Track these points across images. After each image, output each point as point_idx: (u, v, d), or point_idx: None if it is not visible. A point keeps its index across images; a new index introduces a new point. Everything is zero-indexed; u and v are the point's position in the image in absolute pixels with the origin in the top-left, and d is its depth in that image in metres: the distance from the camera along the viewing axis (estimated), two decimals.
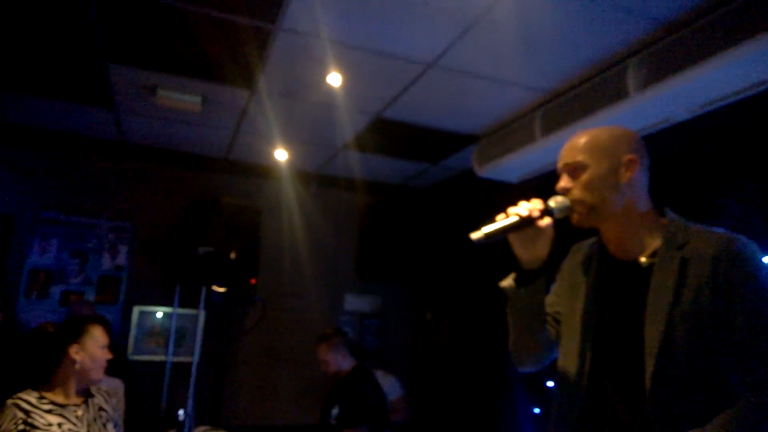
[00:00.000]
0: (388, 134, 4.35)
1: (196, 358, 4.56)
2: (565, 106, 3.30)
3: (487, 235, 1.52)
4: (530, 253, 1.59)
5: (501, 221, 1.54)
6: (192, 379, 4.44)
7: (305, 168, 5.43)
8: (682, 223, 1.55)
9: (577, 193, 1.56)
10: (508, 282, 1.67)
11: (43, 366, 2.44)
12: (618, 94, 2.88)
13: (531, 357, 1.73)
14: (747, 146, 2.92)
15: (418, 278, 5.79)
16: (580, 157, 1.55)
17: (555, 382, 1.67)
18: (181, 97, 3.89)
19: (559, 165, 1.61)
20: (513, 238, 1.59)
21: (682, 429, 1.35)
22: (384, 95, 3.69)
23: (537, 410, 4.04)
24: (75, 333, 2.47)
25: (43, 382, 2.41)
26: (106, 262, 5.03)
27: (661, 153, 3.27)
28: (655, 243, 1.54)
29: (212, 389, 5.07)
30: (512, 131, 3.79)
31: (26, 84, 3.96)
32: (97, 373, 2.48)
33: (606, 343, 1.54)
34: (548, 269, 1.64)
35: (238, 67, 3.45)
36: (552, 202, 1.56)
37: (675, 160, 3.26)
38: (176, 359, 4.94)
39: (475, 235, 1.53)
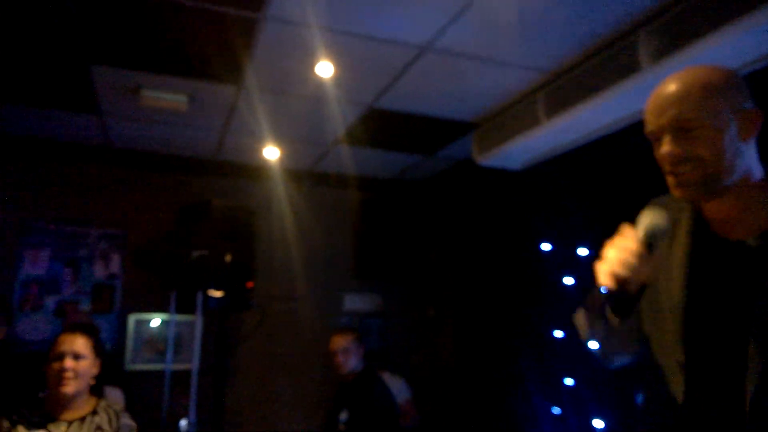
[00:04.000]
0: (382, 126, 4.20)
1: (195, 366, 4.41)
2: (571, 85, 3.14)
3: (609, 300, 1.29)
4: (633, 283, 1.25)
5: (592, 295, 1.29)
6: (193, 388, 4.29)
7: (297, 166, 5.28)
8: None
9: (694, 157, 1.23)
10: (609, 315, 1.35)
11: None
12: (629, 68, 2.72)
13: (625, 357, 1.46)
14: None
15: (418, 274, 5.65)
16: (694, 113, 1.22)
17: (645, 379, 1.41)
18: (166, 97, 3.75)
19: (659, 122, 1.27)
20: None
21: None
22: (376, 84, 3.53)
23: (557, 410, 3.88)
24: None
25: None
26: (100, 271, 4.93)
27: None
28: (766, 220, 1.24)
29: (213, 397, 4.92)
30: (514, 115, 3.63)
31: (8, 93, 3.82)
32: (57, 384, 2.37)
33: (695, 341, 1.26)
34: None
35: (224, 62, 3.30)
36: (649, 229, 1.23)
37: None
38: (175, 367, 4.80)
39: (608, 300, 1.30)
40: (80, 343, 2.46)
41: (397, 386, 4.55)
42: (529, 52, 3.09)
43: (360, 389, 3.58)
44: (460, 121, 4.08)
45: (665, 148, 1.26)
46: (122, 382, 4.53)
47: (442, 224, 5.53)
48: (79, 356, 2.43)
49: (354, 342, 3.71)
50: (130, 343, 4.86)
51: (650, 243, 1.22)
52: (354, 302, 5.63)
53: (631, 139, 3.26)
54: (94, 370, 2.50)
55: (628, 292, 1.26)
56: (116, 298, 4.90)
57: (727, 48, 2.36)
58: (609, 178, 3.49)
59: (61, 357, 2.39)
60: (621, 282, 1.22)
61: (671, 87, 1.27)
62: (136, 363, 4.85)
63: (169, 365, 4.79)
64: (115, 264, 4.95)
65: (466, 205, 5.12)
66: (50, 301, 4.71)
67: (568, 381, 3.69)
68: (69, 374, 2.37)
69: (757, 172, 1.29)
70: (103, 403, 2.52)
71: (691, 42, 2.41)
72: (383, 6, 2.70)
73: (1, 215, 4.68)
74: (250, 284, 4.62)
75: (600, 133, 3.32)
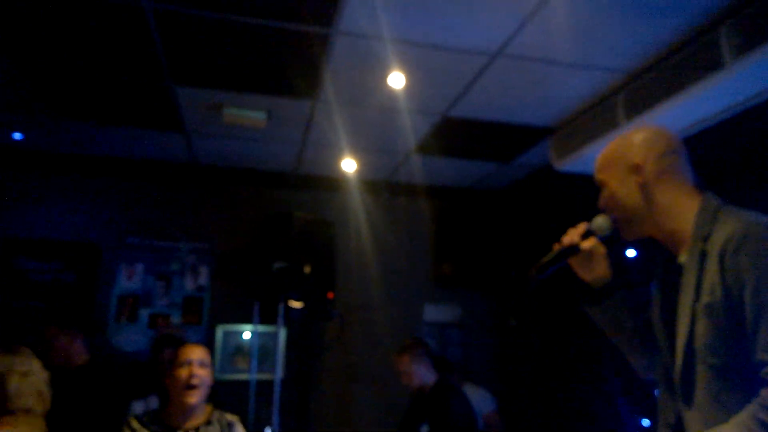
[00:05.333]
0: (456, 134, 4.18)
1: (278, 375, 4.52)
2: (650, 84, 3.01)
3: (539, 270, 1.64)
4: (590, 274, 1.67)
5: (550, 254, 1.64)
6: (276, 397, 4.39)
7: (374, 177, 5.33)
8: (713, 210, 1.45)
9: (608, 207, 1.59)
10: (583, 304, 1.74)
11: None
12: (711, 65, 2.58)
13: (646, 366, 1.68)
14: None
15: (498, 284, 5.55)
16: (599, 176, 1.61)
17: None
18: (247, 114, 3.89)
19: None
20: (572, 264, 1.68)
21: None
22: (449, 92, 3.53)
23: (646, 422, 3.69)
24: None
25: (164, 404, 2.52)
26: (189, 284, 5.12)
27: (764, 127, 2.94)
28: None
29: (296, 406, 5.03)
30: (592, 118, 3.52)
31: (102, 114, 4.08)
32: (183, 392, 2.43)
33: (666, 347, 1.51)
34: (620, 284, 1.66)
35: (299, 77, 3.41)
36: (593, 223, 1.63)
37: None
38: (260, 377, 4.93)
39: (532, 272, 1.65)
40: (203, 352, 2.54)
41: (480, 397, 4.46)
42: (604, 53, 3.00)
43: (438, 401, 3.51)
44: (536, 126, 4.00)
45: (599, 200, 1.63)
46: (211, 392, 4.71)
47: (521, 232, 5.42)
48: (204, 364, 2.50)
49: (414, 359, 3.60)
50: (218, 354, 5.01)
51: (591, 231, 1.63)
52: (434, 313, 5.60)
53: (716, 138, 3.10)
54: (211, 381, 2.56)
55: (593, 283, 1.68)
56: (204, 309, 5.09)
57: None
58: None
59: (188, 364, 2.45)
60: (566, 249, 1.64)
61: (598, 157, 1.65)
62: (224, 373, 5.00)
63: (254, 375, 4.92)
64: (204, 277, 5.15)
65: (545, 212, 5.00)
66: (144, 314, 4.95)
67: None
68: (197, 380, 2.42)
69: (675, 200, 1.51)
70: (216, 413, 2.56)
71: None
72: (451, 15, 2.70)
73: (100, 233, 4.99)
74: (330, 295, 4.70)
75: (684, 134, 3.17)
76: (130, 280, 5.00)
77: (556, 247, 1.65)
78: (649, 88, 3.03)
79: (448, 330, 5.61)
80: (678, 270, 1.48)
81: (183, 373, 2.43)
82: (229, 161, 5.06)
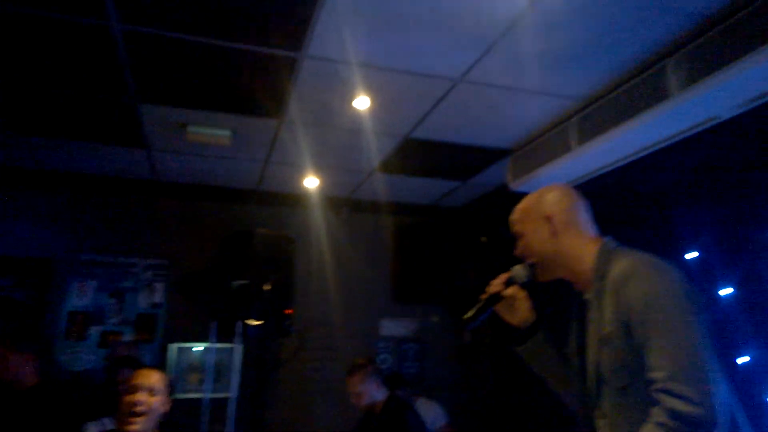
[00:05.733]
0: (418, 154, 4.30)
1: (234, 393, 4.49)
2: (601, 112, 3.20)
3: (469, 320, 1.80)
4: (514, 317, 1.86)
5: (477, 305, 1.81)
6: (230, 415, 4.36)
7: (336, 194, 5.40)
8: (608, 252, 1.67)
9: (526, 255, 1.80)
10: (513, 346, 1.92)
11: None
12: (658, 95, 2.78)
13: (570, 398, 1.85)
14: None
15: (455, 300, 5.67)
16: (516, 228, 1.83)
17: None
18: (211, 132, 3.90)
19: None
20: (498, 310, 1.85)
21: None
22: (412, 115, 3.65)
23: None
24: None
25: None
26: (144, 301, 5.06)
27: (705, 153, 3.16)
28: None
29: (251, 424, 4.99)
30: (547, 142, 3.70)
31: (59, 129, 4.02)
32: (126, 419, 2.35)
33: (583, 376, 1.71)
34: (541, 325, 1.86)
35: (266, 98, 3.46)
36: (512, 272, 1.83)
37: (717, 160, 3.15)
38: (214, 395, 4.88)
39: (465, 321, 1.80)
40: (156, 379, 2.45)
41: (433, 412, 4.54)
42: (560, 81, 3.17)
43: (391, 418, 3.56)
44: (494, 148, 4.16)
45: (515, 250, 1.84)
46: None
47: (478, 249, 5.57)
48: (155, 391, 2.41)
49: (368, 377, 3.64)
50: (171, 372, 4.95)
51: (512, 279, 1.82)
52: (391, 327, 5.68)
53: (661, 164, 3.31)
54: (165, 408, 2.46)
55: (517, 325, 1.87)
56: (159, 327, 5.03)
57: (751, 75, 2.40)
58: (639, 203, 3.53)
59: (135, 390, 2.38)
60: (491, 297, 1.82)
61: (512, 212, 1.87)
62: (177, 392, 4.93)
63: (208, 393, 4.87)
64: (159, 294, 5.09)
65: (501, 230, 5.16)
66: (94, 332, 4.84)
67: None
68: (140, 408, 2.33)
69: (580, 246, 1.73)
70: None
71: (719, 69, 2.46)
72: (417, 41, 2.81)
73: (53, 248, 4.87)
74: (289, 311, 4.70)
75: (631, 159, 3.37)
76: (81, 296, 4.90)
77: (483, 297, 1.82)
78: (601, 115, 3.21)
79: (404, 344, 5.69)
80: (585, 305, 1.71)
81: (128, 399, 2.36)
82: (191, 178, 5.05)
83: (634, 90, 2.98)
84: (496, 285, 1.82)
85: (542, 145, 3.75)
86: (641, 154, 3.31)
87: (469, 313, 1.79)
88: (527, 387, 4.62)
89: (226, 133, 3.90)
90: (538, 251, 1.77)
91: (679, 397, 1.34)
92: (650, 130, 2.99)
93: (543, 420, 4.31)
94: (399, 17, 2.61)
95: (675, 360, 1.39)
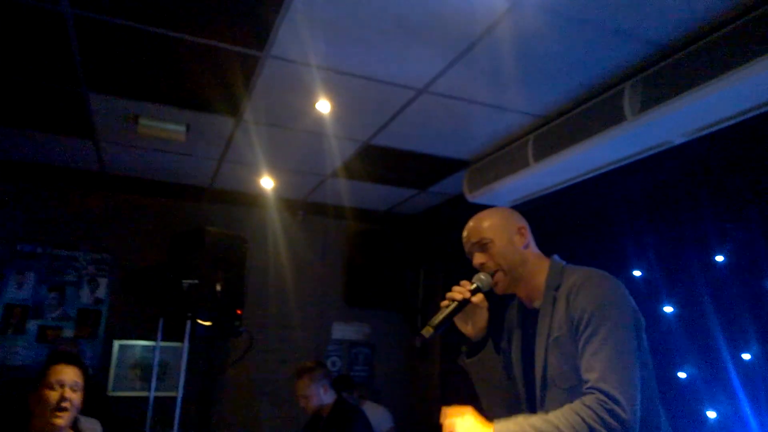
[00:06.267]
0: (377, 161, 4.29)
1: (180, 393, 4.39)
2: (558, 130, 3.25)
3: (436, 327, 1.74)
4: (473, 327, 1.87)
5: (443, 310, 1.77)
6: (177, 415, 4.26)
7: (292, 196, 5.34)
8: (560, 267, 1.82)
9: (492, 264, 1.82)
10: (461, 358, 1.93)
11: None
12: (614, 118, 2.84)
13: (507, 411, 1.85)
14: (743, 170, 2.90)
15: (407, 304, 5.69)
16: (486, 235, 1.84)
17: None
18: (165, 127, 3.79)
19: (467, 247, 1.89)
20: (456, 319, 1.84)
21: None
22: (374, 122, 3.63)
23: None
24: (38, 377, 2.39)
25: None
26: (86, 296, 4.91)
27: (657, 179, 3.25)
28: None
29: (197, 425, 4.90)
30: (505, 156, 3.74)
31: (2, 115, 3.84)
32: (52, 415, 2.32)
33: (526, 381, 1.82)
34: (491, 334, 1.91)
35: (224, 95, 3.38)
36: (477, 281, 1.82)
37: (669, 185, 3.24)
38: (159, 394, 4.77)
39: (426, 332, 1.73)
40: (78, 374, 2.42)
41: (379, 416, 4.54)
42: (522, 98, 3.20)
43: (339, 421, 3.56)
44: (453, 158, 4.18)
45: (475, 260, 1.86)
46: (105, 409, 4.49)
47: (431, 257, 5.60)
48: (77, 387, 2.39)
49: (317, 380, 3.61)
50: (113, 369, 4.82)
51: (479, 287, 1.81)
52: (342, 331, 5.67)
53: (612, 183, 3.39)
54: (80, 405, 2.45)
55: (473, 337, 1.88)
56: (102, 323, 4.88)
57: (704, 104, 2.48)
58: (591, 219, 3.61)
59: (60, 386, 2.34)
60: (460, 303, 1.78)
61: (468, 224, 1.92)
62: (119, 389, 4.80)
63: (153, 392, 4.75)
64: (103, 289, 4.94)
65: (455, 239, 5.20)
66: (33, 326, 4.67)
67: None
68: (68, 404, 2.32)
69: (536, 260, 1.86)
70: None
71: (673, 97, 2.54)
72: (383, 50, 2.80)
73: None
74: (239, 311, 4.63)
75: (585, 177, 3.44)
76: (20, 288, 4.71)
77: (445, 303, 1.78)
78: (557, 134, 3.26)
79: (355, 348, 5.69)
80: (534, 315, 1.80)
81: (53, 395, 2.33)
82: (142, 173, 4.91)
83: (592, 111, 3.04)
84: (461, 292, 1.80)
85: (501, 158, 3.79)
86: (596, 173, 3.39)
87: (435, 320, 1.74)
88: (475, 393, 4.67)
89: (181, 128, 3.79)
90: (509, 261, 1.81)
91: (608, 396, 1.48)
92: (605, 151, 3.05)
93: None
94: (364, 25, 2.59)
95: (609, 364, 1.53)
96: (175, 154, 4.40)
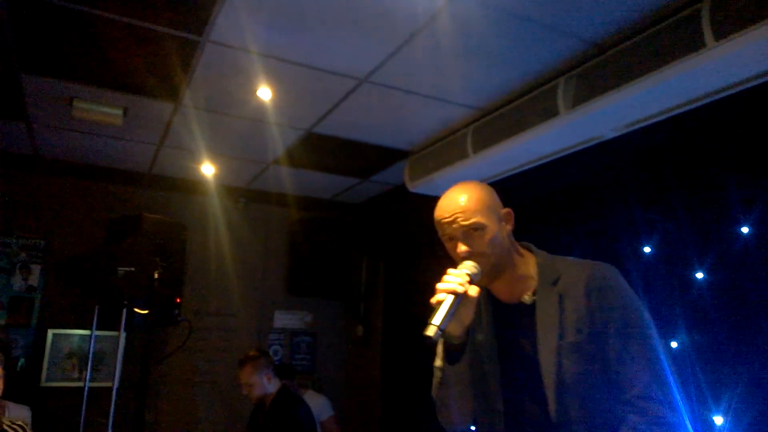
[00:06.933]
0: (320, 149, 4.29)
1: (116, 383, 4.30)
2: (496, 123, 3.33)
3: (440, 325, 1.44)
4: (459, 325, 1.54)
5: (443, 305, 1.46)
6: (112, 406, 4.18)
7: (233, 183, 5.28)
8: (548, 259, 1.65)
9: (481, 253, 1.55)
10: (439, 363, 1.65)
11: None
12: (548, 112, 2.92)
13: (466, 418, 1.68)
14: (671, 164, 3.03)
15: (349, 293, 5.72)
16: (476, 219, 1.55)
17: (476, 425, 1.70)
18: (100, 110, 3.69)
19: (451, 228, 1.57)
20: None
21: None
22: (315, 110, 3.62)
23: (473, 428, 4.02)
24: None
25: None
26: (18, 283, 4.73)
27: (589, 171, 3.36)
28: (532, 282, 1.62)
29: (133, 416, 4.80)
30: (444, 147, 3.80)
31: None
32: None
33: (511, 383, 1.60)
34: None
35: (162, 80, 3.32)
36: (467, 269, 1.52)
37: (601, 178, 3.35)
38: (94, 384, 4.66)
39: (431, 332, 1.43)
40: None
41: (320, 405, 4.57)
42: (460, 90, 3.26)
43: (282, 410, 3.57)
44: (394, 148, 4.22)
45: (460, 248, 1.56)
46: (36, 399, 4.37)
47: (373, 246, 5.64)
48: None
49: (260, 369, 3.63)
50: (47, 359, 4.68)
51: (473, 278, 1.52)
52: (284, 319, 5.65)
53: (546, 176, 3.49)
54: None
55: (456, 338, 1.56)
56: (34, 311, 4.73)
57: (631, 101, 2.59)
58: (528, 210, 3.70)
59: None
60: (460, 296, 1.49)
61: (456, 200, 1.58)
62: (53, 380, 4.67)
63: (88, 382, 4.64)
64: (35, 276, 4.78)
65: (397, 228, 5.26)
66: None
67: None
68: None
69: (516, 249, 1.66)
70: (6, 420, 2.43)
71: (603, 93, 2.64)
72: (323, 38, 2.80)
73: None
74: (178, 300, 4.56)
75: (522, 169, 3.53)
76: None
77: (439, 300, 1.48)
78: (495, 127, 3.34)
79: (297, 337, 5.69)
80: (519, 310, 1.60)
81: None
82: (77, 156, 4.75)
83: (529, 104, 3.12)
84: (461, 283, 1.48)
85: (440, 149, 3.85)
86: (533, 165, 3.48)
87: (437, 318, 1.44)
88: (417, 382, 4.75)
89: (117, 112, 3.70)
90: (498, 250, 1.57)
91: (660, 404, 1.40)
92: (540, 144, 3.14)
93: (433, 414, 4.43)
94: (304, 12, 2.58)
95: (652, 371, 1.44)
96: (111, 138, 4.28)
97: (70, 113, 3.67)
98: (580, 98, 2.80)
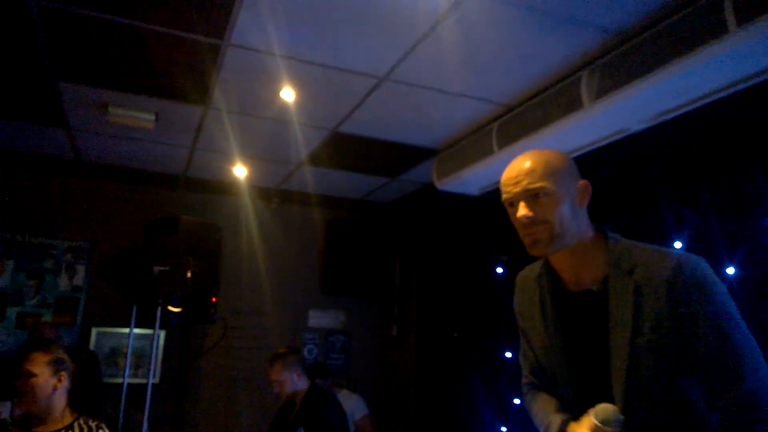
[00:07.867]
0: (346, 149, 4.31)
1: (151, 380, 4.42)
2: (520, 118, 3.28)
3: None
4: None
5: None
6: (147, 402, 4.29)
7: (265, 184, 5.36)
8: (625, 244, 1.49)
9: (544, 221, 1.44)
10: None
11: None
12: (572, 105, 2.86)
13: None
14: (700, 156, 2.94)
15: (382, 292, 5.73)
16: (543, 183, 1.44)
17: None
18: (134, 114, 3.82)
19: (515, 191, 1.48)
20: None
21: None
22: (339, 110, 3.65)
23: (504, 429, 3.98)
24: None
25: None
26: (64, 283, 4.93)
27: (616, 165, 3.28)
28: (603, 268, 1.48)
29: (171, 412, 4.93)
30: (470, 144, 3.77)
31: None
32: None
33: (579, 377, 1.50)
34: None
35: (191, 83, 3.40)
36: (601, 416, 1.35)
37: (628, 172, 3.28)
38: (133, 381, 4.80)
39: None
40: (32, 361, 2.39)
41: (354, 404, 4.58)
42: (482, 86, 3.23)
43: (313, 407, 3.59)
44: (421, 147, 4.21)
45: (520, 212, 1.46)
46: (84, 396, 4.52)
47: (406, 245, 5.64)
48: (29, 374, 2.36)
49: (290, 366, 3.63)
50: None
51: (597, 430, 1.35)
52: (318, 319, 5.70)
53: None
54: (57, 386, 2.40)
55: None
56: (79, 310, 4.90)
57: (657, 90, 2.51)
58: None
59: (17, 374, 2.36)
60: None
61: (523, 163, 1.49)
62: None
63: (127, 379, 4.78)
64: (80, 276, 4.96)
65: (428, 228, 5.25)
66: (12, 313, 4.69)
67: (516, 401, 3.80)
68: (21, 389, 2.34)
69: (590, 229, 1.52)
70: (80, 419, 2.45)
71: (628, 83, 2.56)
72: (342, 37, 2.81)
73: None
74: (213, 299, 4.66)
75: None
76: None
77: None
78: (520, 121, 3.29)
79: (331, 336, 5.73)
80: (586, 298, 1.49)
81: (15, 382, 2.36)
82: (115, 160, 4.92)
83: (552, 98, 3.06)
84: None
85: (466, 146, 3.82)
86: None
87: None
88: (450, 382, 4.73)
89: (150, 116, 3.82)
90: (565, 222, 1.45)
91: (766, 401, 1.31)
92: (564, 138, 3.08)
93: (465, 414, 4.41)
94: (321, 12, 2.60)
95: (754, 370, 1.32)
96: (146, 141, 4.41)
97: (106, 119, 3.81)
98: (603, 90, 2.73)
